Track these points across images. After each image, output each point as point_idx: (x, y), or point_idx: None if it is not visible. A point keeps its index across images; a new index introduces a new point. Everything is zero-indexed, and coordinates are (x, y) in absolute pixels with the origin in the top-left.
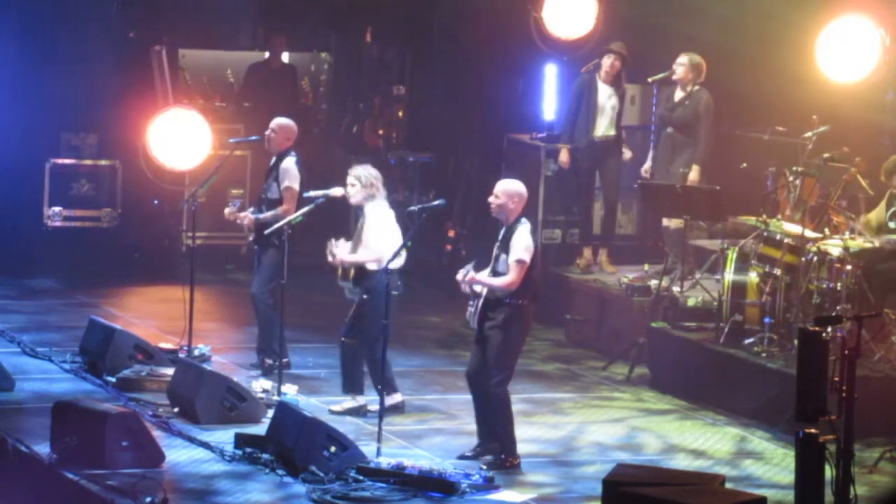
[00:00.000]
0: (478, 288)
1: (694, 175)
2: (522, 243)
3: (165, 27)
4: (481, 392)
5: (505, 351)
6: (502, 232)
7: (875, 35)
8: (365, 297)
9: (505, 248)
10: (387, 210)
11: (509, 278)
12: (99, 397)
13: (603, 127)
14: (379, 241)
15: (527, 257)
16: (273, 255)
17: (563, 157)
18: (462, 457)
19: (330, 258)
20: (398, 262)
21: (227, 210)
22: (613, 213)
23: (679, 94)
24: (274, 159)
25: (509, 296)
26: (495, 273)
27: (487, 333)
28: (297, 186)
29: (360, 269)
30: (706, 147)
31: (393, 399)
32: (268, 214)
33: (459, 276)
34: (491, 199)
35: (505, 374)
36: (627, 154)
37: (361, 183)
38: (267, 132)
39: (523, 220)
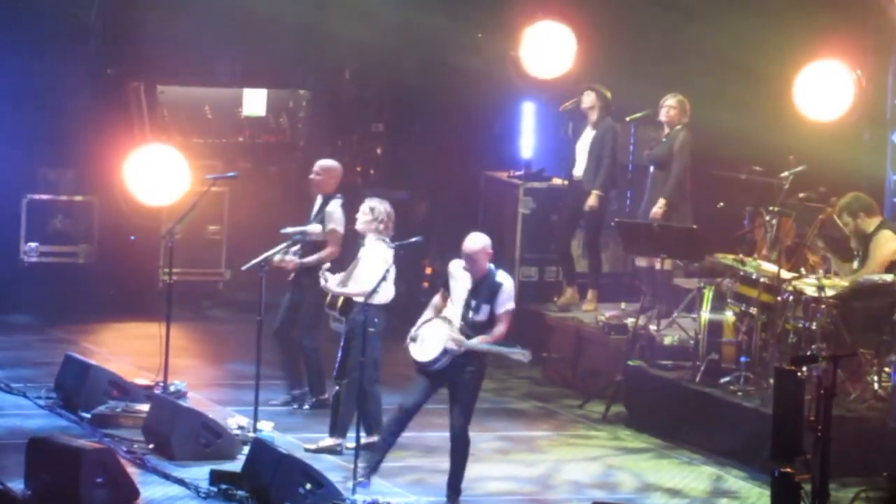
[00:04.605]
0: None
1: (656, 209)
2: (510, 293)
3: (143, 63)
4: (403, 421)
5: (477, 394)
6: (472, 280)
7: (851, 76)
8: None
9: (487, 298)
10: (387, 250)
11: (504, 329)
12: (74, 433)
13: (583, 168)
14: (369, 276)
15: (513, 306)
16: (313, 296)
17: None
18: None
19: (322, 282)
20: (385, 298)
21: (276, 258)
22: (597, 255)
23: (663, 135)
24: (320, 201)
25: None
26: (470, 321)
27: (456, 379)
28: (341, 230)
29: (348, 300)
30: (675, 182)
31: (370, 438)
32: (312, 258)
33: (457, 344)
34: (466, 264)
35: (471, 415)
36: (591, 201)
37: (373, 215)
38: (311, 175)
39: (493, 267)
